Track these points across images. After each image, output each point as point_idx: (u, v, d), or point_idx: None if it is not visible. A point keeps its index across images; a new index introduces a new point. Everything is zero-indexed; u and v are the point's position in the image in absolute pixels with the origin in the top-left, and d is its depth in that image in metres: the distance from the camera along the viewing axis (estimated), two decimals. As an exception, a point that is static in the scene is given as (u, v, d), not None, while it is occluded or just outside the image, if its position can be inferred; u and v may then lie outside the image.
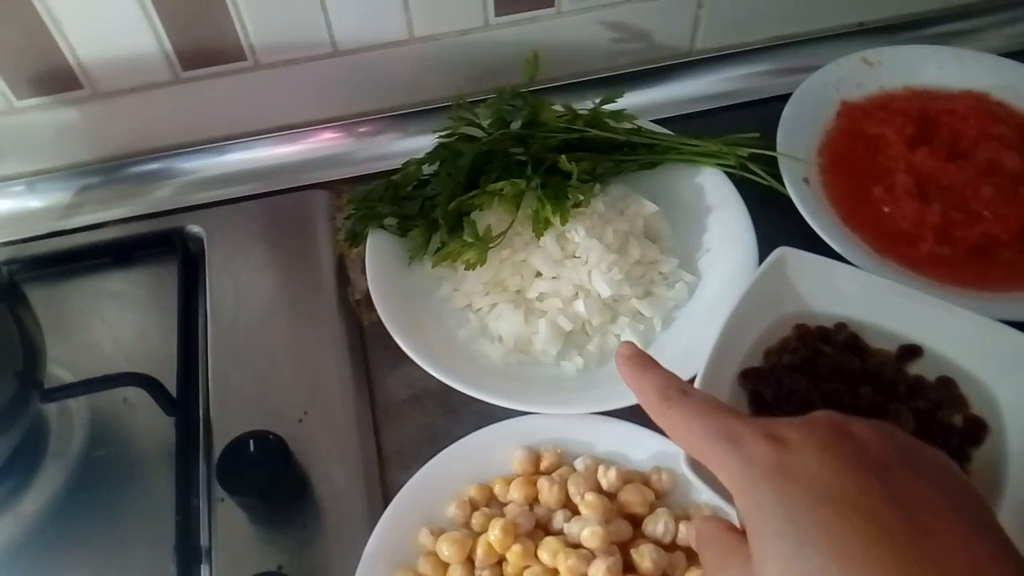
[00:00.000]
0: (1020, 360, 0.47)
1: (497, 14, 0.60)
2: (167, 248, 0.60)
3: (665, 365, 0.51)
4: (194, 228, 0.61)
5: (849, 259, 0.53)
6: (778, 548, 0.26)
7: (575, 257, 0.54)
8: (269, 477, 0.45)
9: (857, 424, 0.30)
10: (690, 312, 0.54)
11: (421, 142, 0.62)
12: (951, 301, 0.52)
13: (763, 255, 0.54)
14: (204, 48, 0.57)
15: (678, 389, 0.33)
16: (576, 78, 0.66)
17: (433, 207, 0.56)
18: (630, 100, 0.65)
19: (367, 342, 0.56)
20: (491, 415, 0.50)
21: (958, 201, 0.57)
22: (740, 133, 0.59)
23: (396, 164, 0.62)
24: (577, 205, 0.55)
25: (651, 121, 0.63)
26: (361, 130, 0.65)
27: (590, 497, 0.44)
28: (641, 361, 0.36)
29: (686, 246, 0.57)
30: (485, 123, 0.59)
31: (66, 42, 0.55)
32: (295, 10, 0.56)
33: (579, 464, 0.47)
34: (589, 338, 0.53)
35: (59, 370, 0.54)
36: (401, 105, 0.65)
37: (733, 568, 0.29)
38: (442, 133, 0.60)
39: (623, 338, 0.53)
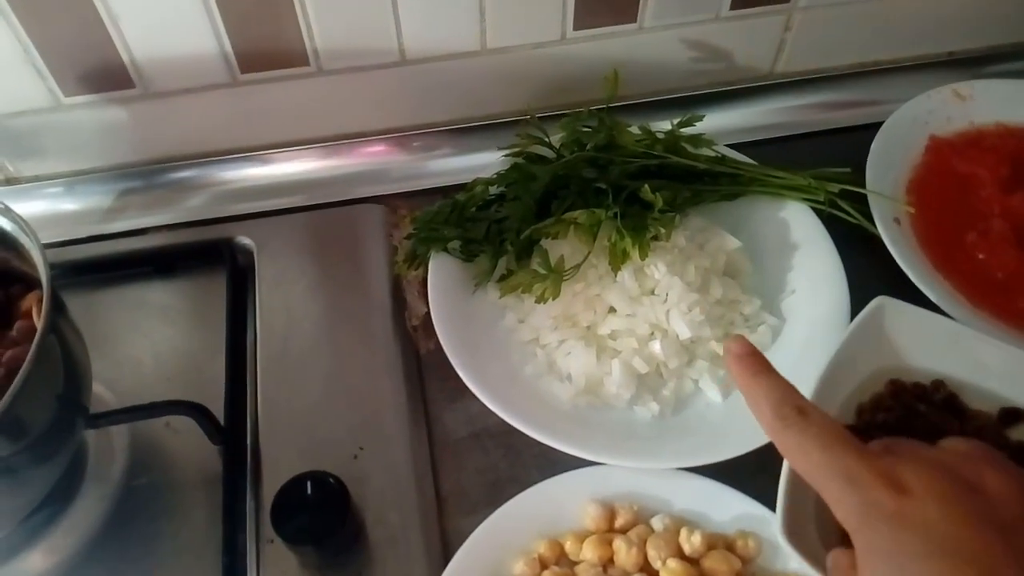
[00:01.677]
0: None
1: (575, 28, 0.57)
2: (214, 259, 0.57)
3: (745, 419, 0.48)
4: (244, 239, 0.58)
5: (943, 308, 0.50)
6: None
7: (653, 294, 0.50)
8: (327, 523, 0.42)
9: (992, 476, 0.29)
10: (773, 358, 0.50)
11: (483, 158, 0.59)
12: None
13: (851, 299, 0.51)
14: (265, 51, 0.54)
15: (795, 407, 0.31)
16: (651, 97, 0.63)
17: (500, 231, 0.52)
18: (706, 123, 0.62)
19: (424, 372, 0.52)
20: (556, 459, 0.47)
21: (1058, 252, 0.54)
22: (822, 164, 0.56)
23: (456, 180, 0.59)
24: (656, 238, 0.51)
25: (727, 146, 0.60)
26: (420, 143, 0.61)
27: (673, 564, 0.41)
28: (755, 364, 0.34)
29: (769, 286, 0.54)
30: (557, 143, 0.56)
31: (121, 38, 0.51)
32: (366, 15, 0.53)
33: (657, 524, 0.44)
34: (664, 382, 0.50)
35: (98, 387, 0.51)
36: (465, 118, 0.61)
37: None
38: (509, 151, 0.56)
39: (701, 384, 0.50)
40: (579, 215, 0.50)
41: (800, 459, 0.31)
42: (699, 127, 0.57)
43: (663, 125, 0.57)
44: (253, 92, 0.56)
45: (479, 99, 0.60)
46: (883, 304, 0.48)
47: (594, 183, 0.51)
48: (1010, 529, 0.27)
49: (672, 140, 0.56)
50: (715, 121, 0.62)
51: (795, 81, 0.64)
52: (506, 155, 0.56)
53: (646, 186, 0.50)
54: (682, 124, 0.57)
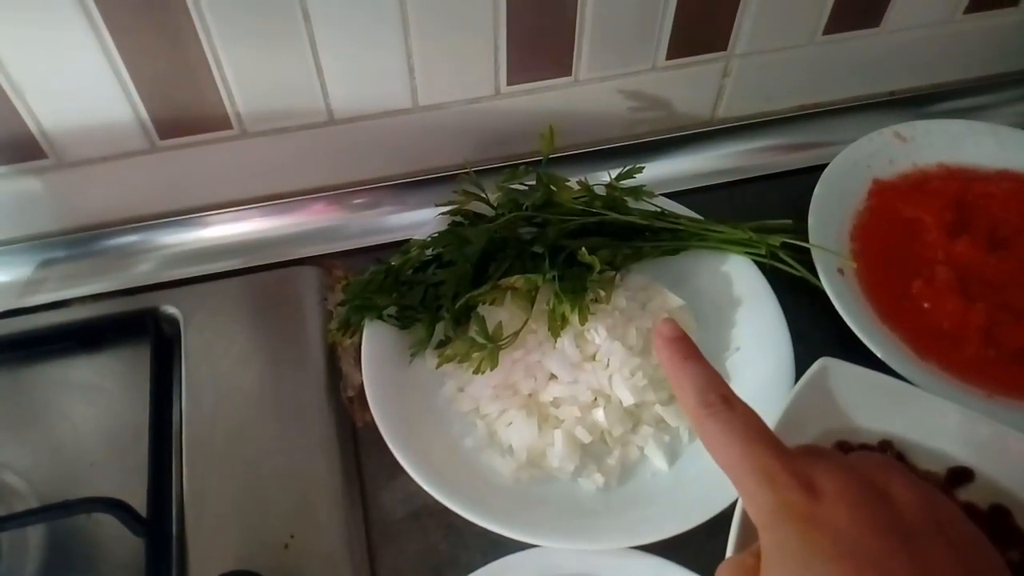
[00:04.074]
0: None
1: (510, 83, 0.55)
2: (139, 331, 0.54)
3: (697, 487, 0.47)
4: (169, 308, 0.55)
5: (889, 362, 0.49)
6: None
7: (594, 360, 0.49)
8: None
9: (900, 486, 0.30)
10: (719, 420, 0.50)
11: (421, 215, 0.57)
12: (1001, 412, 0.49)
13: (796, 353, 0.50)
14: (184, 116, 0.52)
15: (720, 396, 0.32)
16: (591, 147, 0.62)
17: (437, 296, 0.51)
18: (649, 172, 0.61)
19: (360, 447, 0.50)
20: (500, 540, 0.44)
21: (1003, 300, 0.53)
22: (769, 209, 0.56)
23: (394, 238, 0.58)
24: (597, 300, 0.50)
25: (671, 193, 0.59)
26: (355, 201, 0.59)
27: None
28: (684, 349, 0.34)
29: (714, 344, 0.52)
30: (494, 200, 0.54)
31: (28, 110, 0.49)
32: (288, 77, 0.51)
33: (603, 607, 0.42)
34: (609, 450, 0.48)
35: (12, 478, 0.48)
36: (402, 174, 0.60)
37: None
38: (446, 209, 0.55)
39: (647, 451, 0.48)
40: (516, 280, 0.49)
41: (720, 449, 0.31)
42: (641, 178, 0.56)
43: (605, 176, 0.56)
44: (175, 157, 0.54)
45: (415, 155, 0.59)
46: (826, 366, 0.47)
47: (532, 249, 0.50)
48: (912, 536, 0.28)
49: (612, 194, 0.55)
50: (658, 169, 0.62)
51: (737, 126, 0.63)
52: (443, 212, 0.55)
53: (583, 249, 0.49)
54: (622, 176, 0.56)
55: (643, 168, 0.56)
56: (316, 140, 0.56)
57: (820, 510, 0.28)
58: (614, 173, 0.55)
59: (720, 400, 0.32)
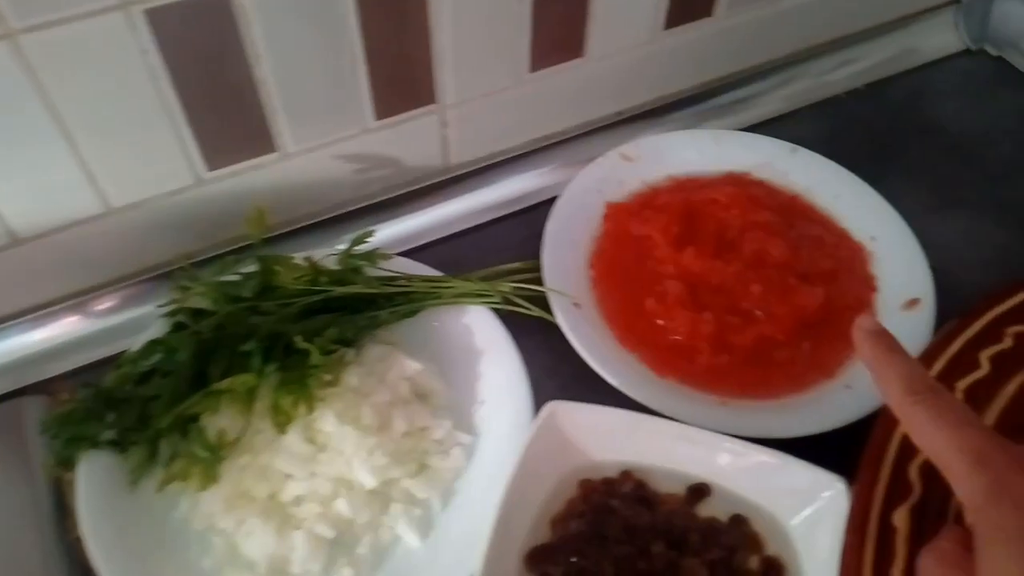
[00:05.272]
0: (805, 491, 0.45)
1: (211, 168, 0.53)
2: None
3: (451, 553, 0.46)
4: None
5: (623, 389, 0.50)
6: (1007, 570, 0.27)
7: (331, 448, 0.47)
8: None
9: None
10: (471, 480, 0.49)
11: (148, 316, 0.53)
12: (736, 417, 0.51)
13: (547, 395, 0.49)
14: None
15: (929, 386, 0.32)
16: (324, 215, 0.60)
17: (156, 413, 0.47)
18: (391, 230, 0.60)
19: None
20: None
21: (730, 303, 0.55)
22: (516, 247, 0.56)
23: (123, 346, 0.54)
24: (329, 383, 0.48)
25: (417, 248, 0.58)
26: (69, 319, 0.55)
27: None
28: (888, 342, 0.34)
29: (461, 400, 0.52)
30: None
31: None
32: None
33: None
34: (359, 539, 0.46)
35: None
36: (116, 279, 0.56)
37: None
38: (167, 309, 0.52)
39: (398, 531, 0.46)
40: (228, 384, 0.46)
41: (928, 436, 0.31)
42: (384, 237, 0.55)
43: (343, 244, 0.54)
44: None
45: (123, 258, 0.55)
46: (554, 410, 0.47)
47: (244, 342, 0.47)
48: None
49: (342, 269, 0.53)
50: (401, 227, 0.61)
51: (474, 170, 0.63)
52: (163, 315, 0.52)
53: (299, 336, 0.47)
54: (354, 244, 0.54)
55: (373, 232, 0.55)
56: (9, 263, 0.51)
57: None
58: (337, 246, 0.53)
59: (927, 389, 0.32)
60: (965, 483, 0.30)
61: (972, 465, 0.29)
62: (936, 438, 0.31)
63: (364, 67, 0.52)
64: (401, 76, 0.54)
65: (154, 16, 0.43)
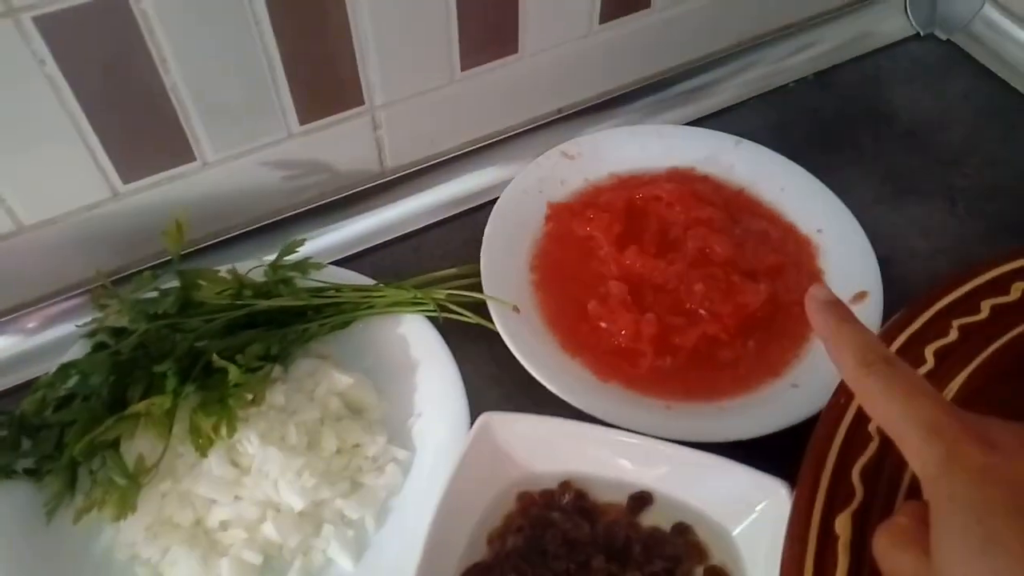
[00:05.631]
0: (748, 497, 0.43)
1: (126, 181, 0.50)
2: None
3: (385, 574, 0.44)
4: None
5: (564, 396, 0.48)
6: (963, 543, 0.26)
7: (256, 471, 0.45)
8: None
9: None
10: (407, 497, 0.47)
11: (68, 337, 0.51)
12: (681, 420, 0.49)
13: (491, 404, 0.47)
14: None
15: (880, 355, 0.31)
16: (254, 224, 0.58)
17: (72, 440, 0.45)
18: (327, 239, 0.58)
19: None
20: None
21: (673, 303, 0.53)
22: (459, 250, 0.55)
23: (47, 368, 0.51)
24: (252, 403, 0.46)
25: (355, 255, 0.56)
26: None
27: None
28: (841, 313, 0.33)
29: (398, 413, 0.50)
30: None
31: None
32: None
33: None
34: (289, 564, 0.44)
35: None
36: (36, 299, 0.53)
37: (907, 555, 0.29)
38: (87, 330, 0.49)
39: (330, 553, 0.45)
40: (143, 406, 0.44)
41: (882, 407, 0.30)
42: (319, 245, 0.53)
43: (273, 254, 0.52)
44: None
45: (40, 278, 0.53)
46: (488, 421, 0.45)
47: (159, 362, 0.45)
48: None
49: (269, 280, 0.51)
50: (336, 235, 0.59)
51: (412, 173, 0.61)
52: (82, 336, 0.49)
53: (215, 355, 0.45)
54: (282, 254, 0.52)
55: (304, 241, 0.53)
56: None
57: (995, 462, 0.27)
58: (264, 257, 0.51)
59: (880, 359, 0.31)
60: (919, 454, 0.29)
61: (926, 435, 0.29)
62: (889, 408, 0.30)
63: (281, 69, 0.50)
64: (324, 77, 0.52)
65: (43, 23, 0.40)
